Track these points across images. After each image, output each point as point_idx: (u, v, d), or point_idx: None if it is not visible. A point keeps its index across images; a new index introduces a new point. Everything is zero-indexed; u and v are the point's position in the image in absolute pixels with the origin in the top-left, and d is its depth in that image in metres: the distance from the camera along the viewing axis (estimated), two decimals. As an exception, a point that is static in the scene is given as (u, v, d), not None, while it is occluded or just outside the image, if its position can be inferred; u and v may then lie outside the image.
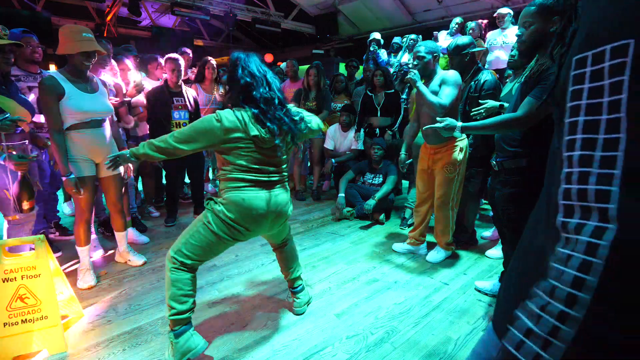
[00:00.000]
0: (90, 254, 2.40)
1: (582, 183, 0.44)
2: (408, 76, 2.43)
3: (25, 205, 2.01)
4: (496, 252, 2.80)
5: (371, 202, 3.44)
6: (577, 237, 0.43)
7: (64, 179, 2.11)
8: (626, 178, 0.41)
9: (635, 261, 0.40)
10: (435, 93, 2.41)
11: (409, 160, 2.84)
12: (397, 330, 1.94)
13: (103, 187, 2.45)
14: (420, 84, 2.40)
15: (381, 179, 3.77)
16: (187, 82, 3.78)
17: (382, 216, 3.57)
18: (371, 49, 5.17)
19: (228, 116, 1.57)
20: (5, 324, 1.65)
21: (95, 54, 2.15)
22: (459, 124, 2.02)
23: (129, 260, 2.65)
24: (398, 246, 2.96)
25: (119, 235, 2.61)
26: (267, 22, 9.28)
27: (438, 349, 1.80)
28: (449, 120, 2.04)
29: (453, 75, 2.41)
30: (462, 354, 1.78)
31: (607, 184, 0.42)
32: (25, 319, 1.68)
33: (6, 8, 7.28)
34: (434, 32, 5.27)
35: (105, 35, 8.49)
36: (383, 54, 5.30)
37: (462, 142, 2.51)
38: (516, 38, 1.76)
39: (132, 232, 2.97)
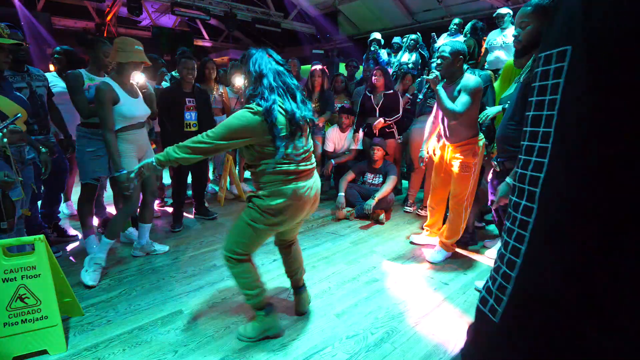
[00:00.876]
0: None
1: (524, 169, 0.51)
2: (428, 76, 2.37)
3: (4, 225, 1.90)
4: (494, 250, 2.80)
5: (370, 202, 3.44)
6: (514, 213, 0.53)
7: (116, 175, 2.27)
8: (549, 167, 0.49)
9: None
10: (455, 98, 2.38)
11: (426, 155, 2.85)
12: (397, 330, 1.94)
13: (143, 180, 2.54)
14: (439, 87, 2.36)
15: (381, 179, 3.77)
16: None
17: (382, 216, 3.57)
18: (372, 48, 5.18)
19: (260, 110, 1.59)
20: (5, 324, 1.65)
21: (142, 65, 2.38)
22: (510, 183, 1.79)
23: (154, 250, 2.79)
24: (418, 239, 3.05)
25: (145, 228, 2.74)
26: (267, 22, 9.28)
27: (438, 349, 1.80)
28: (503, 191, 1.79)
29: (473, 82, 2.34)
30: (462, 354, 1.78)
31: (539, 171, 0.50)
32: (25, 319, 1.68)
33: (6, 8, 7.27)
34: (432, 34, 5.28)
35: (105, 35, 8.49)
36: (383, 54, 5.30)
37: (480, 141, 2.51)
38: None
39: (134, 232, 2.97)
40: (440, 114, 2.56)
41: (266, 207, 1.66)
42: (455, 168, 2.54)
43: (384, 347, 1.81)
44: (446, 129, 2.55)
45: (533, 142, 0.50)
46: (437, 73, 2.37)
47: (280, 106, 1.60)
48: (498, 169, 1.98)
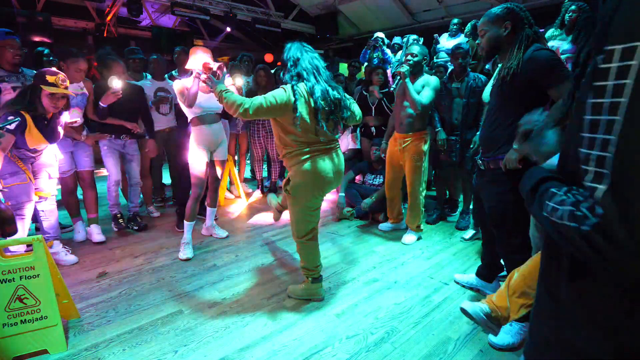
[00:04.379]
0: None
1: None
2: (399, 69, 2.72)
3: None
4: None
5: (368, 201, 3.45)
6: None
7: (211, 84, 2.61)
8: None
9: None
10: (417, 92, 2.78)
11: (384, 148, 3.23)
12: (397, 330, 1.94)
13: (211, 166, 2.87)
14: (408, 80, 2.74)
15: (382, 180, 3.77)
16: None
17: (382, 216, 3.57)
18: (377, 45, 5.13)
19: (289, 90, 1.86)
20: (4, 325, 1.65)
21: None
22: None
23: (214, 233, 3.14)
24: (384, 226, 3.37)
25: (209, 211, 3.12)
26: (267, 22, 9.28)
27: (438, 349, 1.80)
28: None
29: (434, 81, 2.81)
30: (462, 354, 1.78)
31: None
32: (25, 320, 1.68)
33: (6, 9, 7.26)
34: (435, 35, 5.26)
35: (105, 35, 8.48)
36: (388, 52, 5.28)
37: (427, 135, 2.93)
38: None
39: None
40: (399, 107, 2.92)
41: (295, 185, 1.97)
42: (409, 158, 2.90)
43: (384, 347, 1.81)
44: (402, 120, 2.89)
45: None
46: (408, 68, 2.70)
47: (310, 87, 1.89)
48: (482, 168, 1.97)
